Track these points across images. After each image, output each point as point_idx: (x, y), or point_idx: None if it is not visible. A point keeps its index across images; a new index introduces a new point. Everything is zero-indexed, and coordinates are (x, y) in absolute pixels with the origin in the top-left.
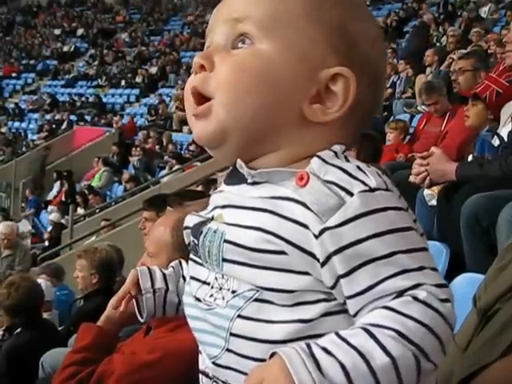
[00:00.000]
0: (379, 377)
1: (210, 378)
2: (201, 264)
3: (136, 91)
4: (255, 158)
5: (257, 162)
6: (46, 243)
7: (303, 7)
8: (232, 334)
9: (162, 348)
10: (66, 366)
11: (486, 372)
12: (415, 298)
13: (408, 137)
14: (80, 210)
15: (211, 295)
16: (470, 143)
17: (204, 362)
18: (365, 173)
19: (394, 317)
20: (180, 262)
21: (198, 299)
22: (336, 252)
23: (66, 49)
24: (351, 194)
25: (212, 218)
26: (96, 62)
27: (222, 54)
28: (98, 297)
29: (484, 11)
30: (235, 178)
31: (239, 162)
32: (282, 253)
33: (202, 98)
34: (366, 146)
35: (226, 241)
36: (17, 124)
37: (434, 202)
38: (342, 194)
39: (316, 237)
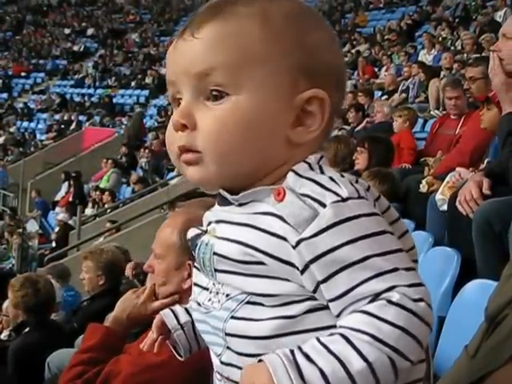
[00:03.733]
0: (357, 380)
1: (220, 375)
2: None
3: (146, 92)
4: (249, 186)
5: (249, 187)
6: (54, 244)
7: (260, 39)
8: (227, 334)
9: (170, 349)
10: (73, 365)
11: (491, 378)
12: (389, 301)
13: (420, 136)
14: (88, 211)
15: (209, 299)
16: (484, 148)
17: (214, 361)
18: (337, 183)
19: (369, 321)
20: None
21: (199, 303)
22: (312, 261)
23: (75, 48)
24: (324, 205)
25: (206, 231)
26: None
27: (200, 110)
28: (105, 298)
29: (499, 15)
30: (225, 200)
31: (222, 192)
32: (261, 263)
33: (188, 150)
34: (377, 150)
35: (215, 253)
36: (25, 124)
37: (445, 207)
38: (316, 205)
39: (293, 247)
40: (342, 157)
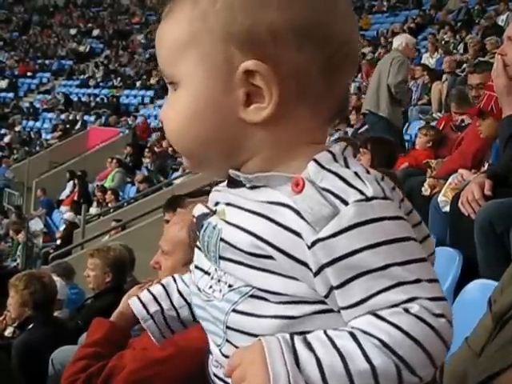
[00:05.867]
0: (355, 381)
1: (218, 363)
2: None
3: (150, 92)
4: (238, 167)
5: (244, 169)
6: (58, 242)
7: (188, 23)
8: (228, 327)
9: (175, 345)
10: (77, 359)
11: (499, 379)
12: (406, 311)
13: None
14: (92, 210)
15: (210, 286)
16: (486, 150)
17: (213, 350)
18: (362, 180)
19: (381, 326)
20: (173, 277)
21: (199, 289)
22: (328, 264)
23: (81, 49)
24: (346, 203)
25: (214, 212)
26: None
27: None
28: (110, 295)
29: (502, 19)
30: (234, 183)
31: (232, 172)
32: (271, 258)
33: None
34: (380, 151)
35: (222, 239)
36: (31, 123)
37: (447, 209)
38: (337, 202)
39: (309, 247)
40: None
